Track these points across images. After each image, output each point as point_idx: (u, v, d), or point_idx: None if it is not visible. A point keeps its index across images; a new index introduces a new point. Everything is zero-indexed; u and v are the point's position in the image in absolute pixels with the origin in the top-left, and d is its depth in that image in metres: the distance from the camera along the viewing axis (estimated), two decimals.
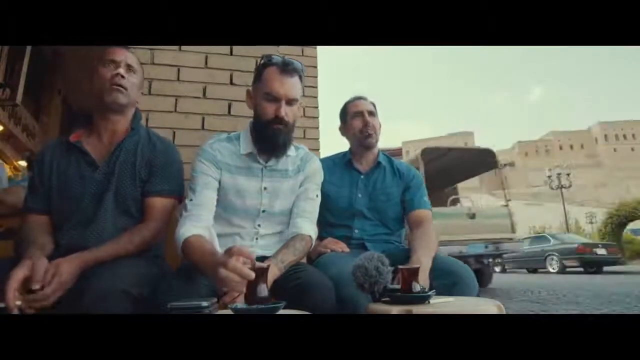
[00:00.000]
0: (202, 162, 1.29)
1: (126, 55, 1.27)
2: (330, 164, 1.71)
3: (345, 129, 1.72)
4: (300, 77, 1.29)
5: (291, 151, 1.39)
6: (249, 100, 1.35)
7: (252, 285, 0.86)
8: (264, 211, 1.33)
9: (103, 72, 1.23)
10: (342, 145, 1.88)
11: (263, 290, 0.86)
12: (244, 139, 1.35)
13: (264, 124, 1.26)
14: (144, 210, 1.25)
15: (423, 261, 1.22)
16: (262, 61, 1.28)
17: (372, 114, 1.66)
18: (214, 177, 1.29)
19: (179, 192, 1.31)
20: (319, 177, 1.44)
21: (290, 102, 1.26)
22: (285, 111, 1.24)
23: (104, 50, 1.25)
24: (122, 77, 1.23)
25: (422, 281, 1.12)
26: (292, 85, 1.25)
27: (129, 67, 1.26)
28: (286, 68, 1.25)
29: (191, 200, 1.25)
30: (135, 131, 1.30)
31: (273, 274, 1.12)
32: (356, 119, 1.65)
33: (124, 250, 1.13)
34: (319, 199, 1.42)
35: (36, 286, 0.95)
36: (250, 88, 1.35)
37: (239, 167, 1.32)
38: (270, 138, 1.27)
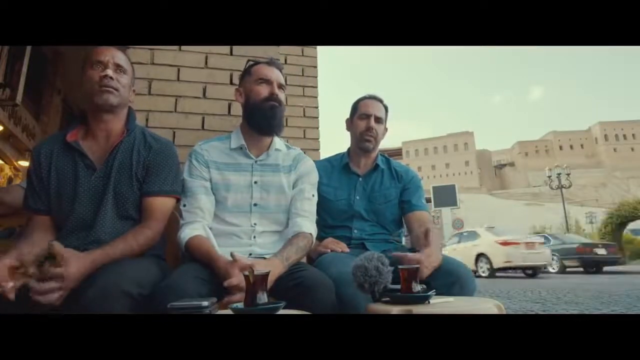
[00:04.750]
0: (192, 164, 1.35)
1: (113, 55, 1.23)
2: (327, 166, 1.71)
3: (350, 125, 1.72)
4: (282, 73, 1.42)
5: (282, 147, 1.43)
6: (239, 97, 1.41)
7: (252, 292, 0.86)
8: (255, 205, 1.34)
9: (91, 73, 1.21)
10: (341, 146, 1.88)
11: (262, 297, 0.86)
12: (235, 135, 1.40)
13: (260, 103, 1.34)
14: (143, 210, 1.24)
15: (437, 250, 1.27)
16: (249, 63, 1.43)
17: (379, 120, 1.64)
18: (205, 177, 1.33)
19: (178, 191, 1.31)
20: (313, 177, 1.46)
21: (280, 86, 1.38)
22: (278, 92, 1.36)
23: (92, 51, 1.23)
24: (111, 78, 1.20)
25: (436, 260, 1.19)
26: (279, 74, 1.39)
27: (117, 67, 1.23)
28: (271, 62, 1.40)
29: (184, 206, 1.31)
30: (130, 132, 1.28)
31: (277, 270, 1.14)
32: (362, 120, 1.64)
33: (129, 250, 1.13)
34: (315, 199, 1.44)
35: None
36: (239, 87, 1.42)
37: (227, 164, 1.36)
38: (267, 114, 1.33)
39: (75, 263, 1.00)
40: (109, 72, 1.21)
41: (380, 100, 1.68)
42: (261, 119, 1.34)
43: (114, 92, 1.22)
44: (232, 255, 1.14)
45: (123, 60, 1.26)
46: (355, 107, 1.69)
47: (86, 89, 1.22)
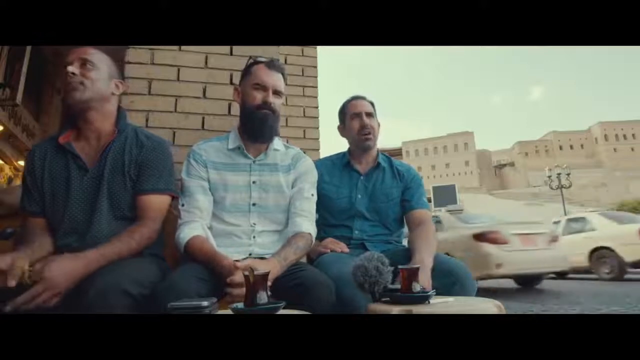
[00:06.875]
0: (190, 163, 1.35)
1: (79, 52, 1.21)
2: (329, 164, 1.71)
3: (343, 130, 1.72)
4: (284, 75, 1.40)
5: (280, 146, 1.42)
6: (237, 96, 1.41)
7: (252, 292, 0.86)
8: (254, 204, 1.34)
9: (63, 76, 1.20)
10: (342, 145, 1.88)
11: (263, 297, 0.86)
12: (232, 135, 1.40)
13: (253, 109, 1.33)
14: (138, 208, 1.23)
15: (426, 261, 1.22)
16: (250, 61, 1.40)
17: (370, 115, 1.65)
18: (202, 177, 1.33)
19: (172, 188, 1.30)
20: (312, 176, 1.46)
21: (276, 92, 1.36)
22: (272, 99, 1.34)
23: None
24: (73, 74, 1.18)
25: (426, 280, 1.13)
26: (277, 79, 1.37)
27: (84, 62, 1.21)
28: (272, 64, 1.37)
29: (183, 205, 1.31)
30: (121, 132, 1.27)
31: (275, 271, 1.14)
32: (354, 120, 1.65)
33: (126, 248, 1.13)
34: (314, 198, 1.44)
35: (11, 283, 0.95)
36: (238, 86, 1.42)
37: (225, 164, 1.36)
38: (258, 122, 1.33)
39: (58, 266, 0.99)
40: (70, 68, 1.19)
41: (364, 98, 1.70)
42: (252, 125, 1.34)
43: (79, 88, 1.19)
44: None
45: (91, 55, 1.23)
46: (343, 111, 1.71)
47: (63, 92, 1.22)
